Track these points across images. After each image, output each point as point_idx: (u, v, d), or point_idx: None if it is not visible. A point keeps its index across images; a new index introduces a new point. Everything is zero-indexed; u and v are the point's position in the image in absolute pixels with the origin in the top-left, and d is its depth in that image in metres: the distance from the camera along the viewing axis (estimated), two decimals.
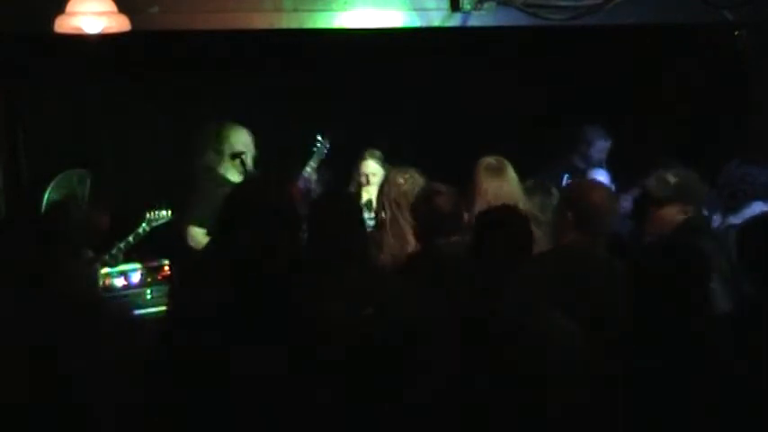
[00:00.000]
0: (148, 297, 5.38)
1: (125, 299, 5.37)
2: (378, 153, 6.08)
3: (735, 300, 4.00)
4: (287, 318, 2.90)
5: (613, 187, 6.34)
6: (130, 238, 5.75)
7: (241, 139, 6.12)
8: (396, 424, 2.93)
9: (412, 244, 4.58)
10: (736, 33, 6.56)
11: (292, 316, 2.91)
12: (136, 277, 5.49)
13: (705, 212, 5.11)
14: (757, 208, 4.85)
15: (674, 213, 4.49)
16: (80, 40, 5.43)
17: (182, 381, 2.86)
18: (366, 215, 5.17)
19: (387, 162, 6.03)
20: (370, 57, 6.90)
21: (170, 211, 5.97)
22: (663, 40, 6.99)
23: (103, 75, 7.02)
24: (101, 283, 5.39)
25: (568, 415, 2.97)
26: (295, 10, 6.04)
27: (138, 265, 5.55)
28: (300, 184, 6.30)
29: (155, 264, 5.62)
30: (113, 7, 5.32)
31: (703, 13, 6.28)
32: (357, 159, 6.15)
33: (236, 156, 6.08)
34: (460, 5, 6.04)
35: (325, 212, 4.05)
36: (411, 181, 4.91)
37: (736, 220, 4.83)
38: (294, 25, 6.08)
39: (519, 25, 6.19)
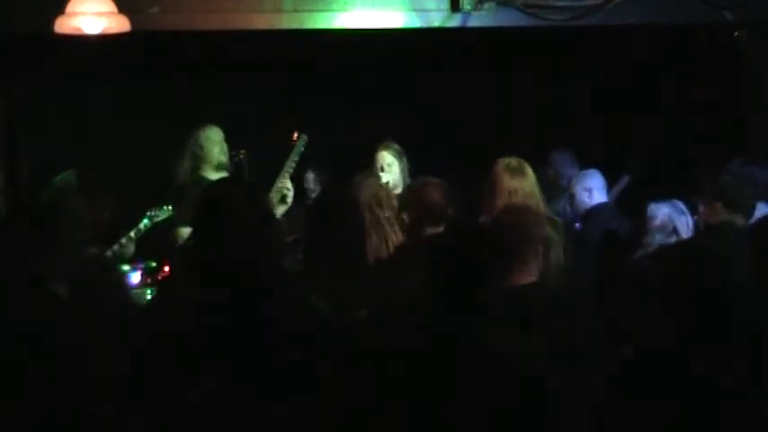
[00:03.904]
0: (148, 297, 5.37)
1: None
2: (395, 146, 6.08)
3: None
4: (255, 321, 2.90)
5: (608, 187, 6.36)
6: (132, 234, 5.75)
7: (213, 138, 6.21)
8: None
9: (394, 242, 4.57)
10: (736, 33, 6.56)
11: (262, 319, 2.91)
12: (136, 278, 5.48)
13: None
14: (758, 209, 4.85)
15: None
16: (80, 41, 5.43)
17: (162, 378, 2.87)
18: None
19: (403, 155, 6.05)
20: (370, 57, 6.90)
21: (171, 207, 5.98)
22: (663, 40, 6.99)
23: (103, 75, 7.02)
24: None
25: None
26: (295, 10, 6.04)
27: (137, 266, 5.54)
28: None
29: (154, 264, 5.62)
30: (113, 7, 5.32)
31: (703, 13, 6.28)
32: (373, 152, 6.13)
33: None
34: (460, 6, 6.04)
35: (322, 213, 4.05)
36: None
37: None
38: (294, 26, 6.08)
39: (519, 25, 6.19)
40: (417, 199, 4.33)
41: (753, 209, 4.74)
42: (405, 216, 4.40)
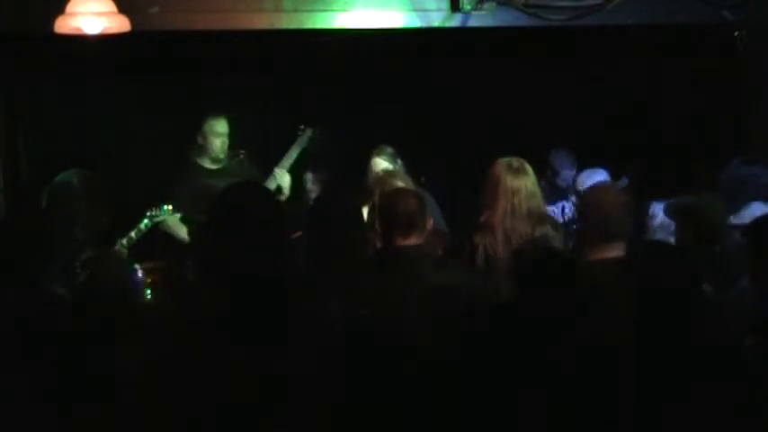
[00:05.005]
0: (148, 297, 5.36)
1: None
2: (388, 149, 6.10)
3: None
4: (282, 319, 2.90)
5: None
6: (132, 234, 5.75)
7: (216, 131, 6.46)
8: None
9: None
10: (736, 33, 6.56)
11: (289, 317, 2.92)
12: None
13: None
14: (756, 208, 4.84)
15: None
16: (80, 41, 5.43)
17: (183, 381, 2.86)
18: None
19: (398, 157, 6.06)
20: (370, 57, 6.90)
21: (171, 207, 6.02)
22: (663, 40, 6.99)
23: (103, 75, 7.02)
24: None
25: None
26: (295, 10, 6.05)
27: (137, 266, 5.53)
28: None
29: (154, 265, 5.60)
30: (113, 7, 5.32)
31: (703, 13, 6.28)
32: (368, 157, 6.16)
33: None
34: (460, 6, 6.04)
35: (325, 212, 4.05)
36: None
37: (735, 220, 4.82)
38: (294, 25, 6.09)
39: (519, 25, 6.18)
40: (390, 209, 4.31)
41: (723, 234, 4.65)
42: (377, 224, 4.39)
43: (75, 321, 3.28)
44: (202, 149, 6.49)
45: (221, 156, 6.47)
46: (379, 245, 4.39)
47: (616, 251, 4.02)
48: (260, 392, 2.83)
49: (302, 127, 6.59)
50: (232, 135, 6.57)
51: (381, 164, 6.00)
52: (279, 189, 6.37)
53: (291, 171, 6.58)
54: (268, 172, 6.52)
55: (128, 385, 2.94)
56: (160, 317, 3.36)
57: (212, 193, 4.74)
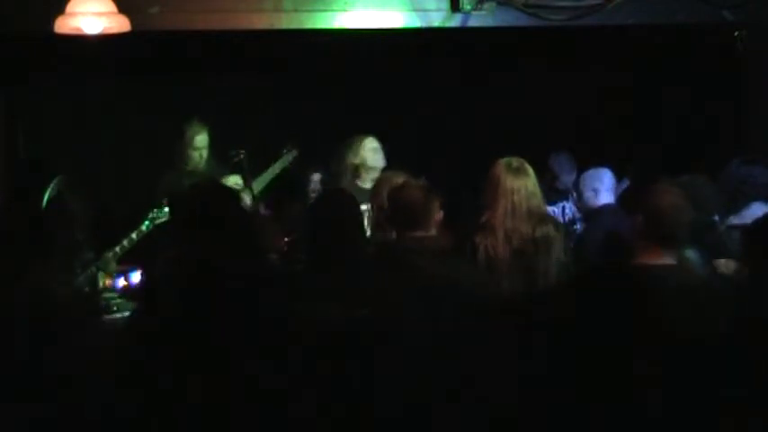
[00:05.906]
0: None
1: (124, 299, 5.35)
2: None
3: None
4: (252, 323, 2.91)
5: (616, 185, 6.37)
6: (133, 235, 5.74)
7: (194, 144, 6.45)
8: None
9: None
10: (736, 33, 6.56)
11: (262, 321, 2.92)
12: (136, 278, 5.48)
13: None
14: (757, 209, 4.85)
15: None
16: (80, 41, 5.43)
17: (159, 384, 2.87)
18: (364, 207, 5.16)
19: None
20: (371, 57, 6.90)
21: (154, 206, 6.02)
22: (663, 40, 6.99)
23: (103, 75, 7.02)
24: (101, 283, 5.39)
25: None
26: (295, 10, 6.05)
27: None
28: None
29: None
30: (113, 7, 5.32)
31: (703, 13, 6.28)
32: (351, 145, 6.15)
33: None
34: (460, 6, 6.04)
35: (325, 212, 4.06)
36: None
37: (735, 220, 4.83)
38: (294, 25, 6.09)
39: (519, 25, 6.19)
40: (396, 201, 4.33)
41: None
42: (383, 216, 4.41)
43: (75, 321, 3.29)
44: (181, 156, 6.48)
45: (199, 166, 6.48)
46: (385, 240, 4.41)
47: (669, 258, 3.94)
48: (259, 393, 2.83)
49: (289, 147, 6.53)
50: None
51: (373, 141, 6.06)
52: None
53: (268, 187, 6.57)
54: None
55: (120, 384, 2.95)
56: (153, 317, 3.35)
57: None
